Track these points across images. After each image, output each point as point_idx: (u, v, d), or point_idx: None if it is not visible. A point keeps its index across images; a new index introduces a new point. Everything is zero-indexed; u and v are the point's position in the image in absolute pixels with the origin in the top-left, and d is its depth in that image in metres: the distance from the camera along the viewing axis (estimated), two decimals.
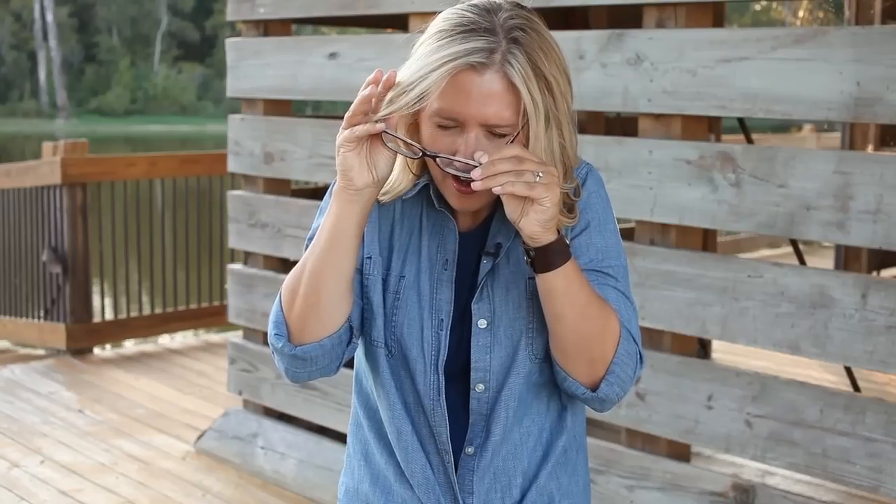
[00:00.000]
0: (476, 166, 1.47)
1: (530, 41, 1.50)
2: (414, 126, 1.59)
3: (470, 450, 1.65)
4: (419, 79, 1.48)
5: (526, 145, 1.51)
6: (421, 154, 1.53)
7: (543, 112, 1.50)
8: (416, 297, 1.63)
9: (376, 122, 1.50)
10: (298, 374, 1.64)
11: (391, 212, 1.67)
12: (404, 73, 1.52)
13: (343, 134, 1.51)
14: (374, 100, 1.49)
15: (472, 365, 1.62)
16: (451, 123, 1.52)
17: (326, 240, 1.56)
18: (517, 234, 1.60)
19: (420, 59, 1.51)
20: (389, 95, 1.50)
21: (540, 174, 1.45)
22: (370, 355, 1.68)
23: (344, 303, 1.59)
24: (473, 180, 1.46)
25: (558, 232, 1.51)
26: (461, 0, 1.57)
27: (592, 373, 1.57)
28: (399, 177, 1.63)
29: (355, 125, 1.50)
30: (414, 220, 1.66)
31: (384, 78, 1.49)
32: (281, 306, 1.61)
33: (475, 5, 1.54)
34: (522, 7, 1.55)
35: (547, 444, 1.68)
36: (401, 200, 1.66)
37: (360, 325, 1.67)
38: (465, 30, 1.50)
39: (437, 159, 1.52)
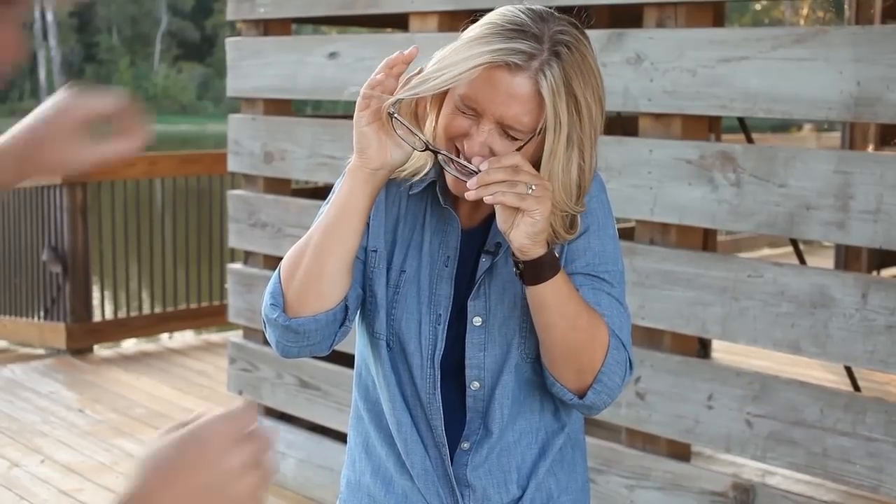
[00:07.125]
0: (475, 171, 1.47)
1: (572, 59, 1.50)
2: (441, 109, 1.59)
3: (465, 445, 1.67)
4: (453, 63, 1.49)
5: (539, 157, 1.51)
6: (424, 147, 1.53)
7: (566, 131, 1.49)
8: (416, 291, 1.65)
9: (398, 100, 1.50)
10: (289, 348, 1.64)
11: (396, 206, 1.68)
12: (443, 54, 1.52)
13: (358, 104, 1.52)
14: (395, 73, 1.51)
15: (467, 362, 1.63)
16: (470, 112, 1.52)
17: (335, 215, 1.57)
18: None
19: (463, 43, 1.52)
20: (422, 75, 1.50)
21: (533, 187, 1.45)
22: (372, 348, 1.70)
23: (344, 279, 1.60)
24: (468, 190, 1.47)
25: (548, 245, 1.51)
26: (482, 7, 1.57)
27: (580, 381, 1.59)
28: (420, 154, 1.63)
29: (371, 97, 1.51)
30: (418, 216, 1.68)
31: (407, 52, 1.51)
32: (279, 277, 1.62)
33: (532, 10, 1.53)
34: (577, 27, 1.55)
35: (543, 443, 1.70)
36: (406, 195, 1.67)
37: (357, 309, 1.67)
38: (514, 29, 1.50)
39: (438, 156, 1.52)
